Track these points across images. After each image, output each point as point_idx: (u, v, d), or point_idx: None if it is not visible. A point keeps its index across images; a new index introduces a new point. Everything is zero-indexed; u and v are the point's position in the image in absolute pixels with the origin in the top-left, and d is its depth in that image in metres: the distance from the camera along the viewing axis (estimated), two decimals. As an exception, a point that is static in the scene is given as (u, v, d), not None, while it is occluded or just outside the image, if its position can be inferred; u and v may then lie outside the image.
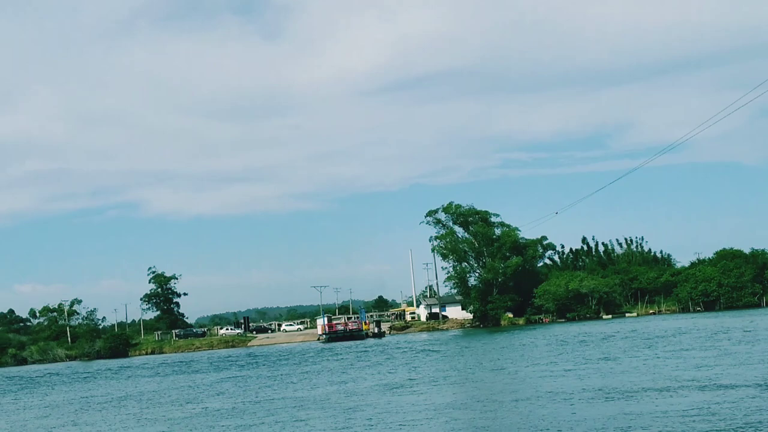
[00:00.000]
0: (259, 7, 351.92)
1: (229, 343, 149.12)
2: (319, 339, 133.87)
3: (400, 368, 57.42)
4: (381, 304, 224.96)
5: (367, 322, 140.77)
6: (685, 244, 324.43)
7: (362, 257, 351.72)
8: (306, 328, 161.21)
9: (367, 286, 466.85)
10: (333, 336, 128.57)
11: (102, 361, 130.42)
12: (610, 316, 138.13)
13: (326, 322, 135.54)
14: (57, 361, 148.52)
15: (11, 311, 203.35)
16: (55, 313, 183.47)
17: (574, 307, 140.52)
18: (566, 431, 24.85)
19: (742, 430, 23.02)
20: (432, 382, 45.29)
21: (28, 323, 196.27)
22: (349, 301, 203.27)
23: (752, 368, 37.79)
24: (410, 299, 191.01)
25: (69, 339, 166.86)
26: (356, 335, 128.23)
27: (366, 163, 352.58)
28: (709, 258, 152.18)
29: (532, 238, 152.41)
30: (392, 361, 67.05)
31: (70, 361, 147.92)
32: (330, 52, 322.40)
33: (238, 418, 35.04)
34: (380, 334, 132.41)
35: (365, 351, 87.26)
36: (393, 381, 47.63)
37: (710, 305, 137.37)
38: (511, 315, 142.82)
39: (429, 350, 79.02)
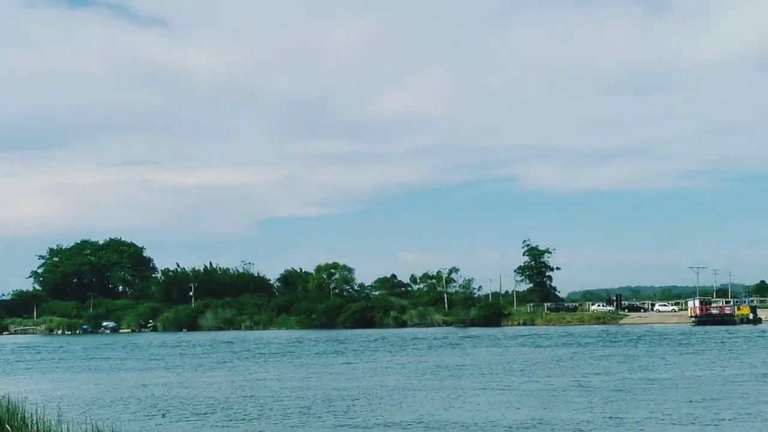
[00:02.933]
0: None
1: (600, 319, 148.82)
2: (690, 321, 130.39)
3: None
4: (763, 289, 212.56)
5: (739, 306, 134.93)
6: None
7: (745, 240, 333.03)
8: (680, 309, 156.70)
9: (749, 270, 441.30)
10: (702, 319, 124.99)
11: (477, 329, 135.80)
12: None
13: (697, 305, 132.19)
14: (434, 326, 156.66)
15: (393, 276, 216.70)
16: (434, 280, 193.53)
17: None
18: None
19: None
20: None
21: (409, 288, 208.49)
22: (728, 284, 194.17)
23: None
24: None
25: (446, 305, 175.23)
26: (728, 320, 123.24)
27: (754, 141, 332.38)
28: None
29: None
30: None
31: (446, 326, 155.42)
32: (722, 23, 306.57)
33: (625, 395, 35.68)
34: (756, 320, 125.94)
35: (734, 336, 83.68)
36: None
37: None
38: None
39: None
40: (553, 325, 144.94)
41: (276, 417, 31.82)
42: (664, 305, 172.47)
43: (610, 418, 29.03)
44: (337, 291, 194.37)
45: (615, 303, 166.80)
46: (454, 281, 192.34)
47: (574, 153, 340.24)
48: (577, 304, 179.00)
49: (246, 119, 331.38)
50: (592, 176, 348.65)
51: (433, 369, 53.23)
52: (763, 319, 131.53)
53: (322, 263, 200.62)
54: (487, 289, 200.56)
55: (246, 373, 54.05)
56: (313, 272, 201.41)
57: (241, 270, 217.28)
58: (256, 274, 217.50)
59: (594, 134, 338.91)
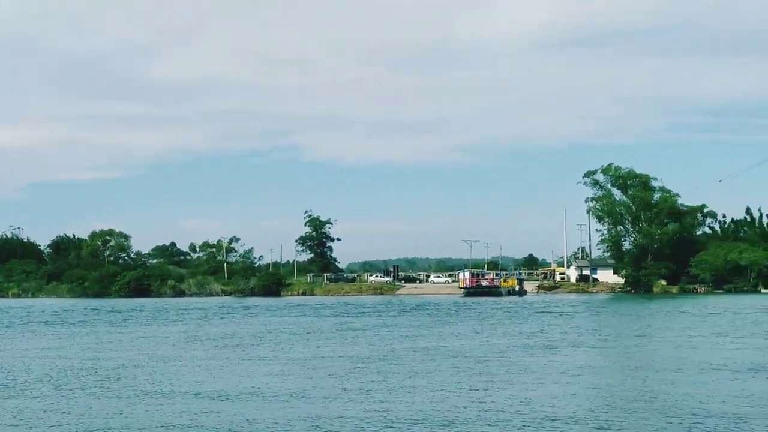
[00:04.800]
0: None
1: (377, 290, 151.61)
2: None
3: (533, 327, 57.14)
4: (531, 262, 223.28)
5: (506, 279, 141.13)
6: None
7: (517, 214, 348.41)
8: (454, 281, 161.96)
9: (519, 244, 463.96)
10: (471, 291, 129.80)
11: (256, 298, 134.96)
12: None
13: (467, 277, 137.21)
14: (213, 296, 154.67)
15: (173, 244, 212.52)
16: (214, 249, 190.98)
17: (731, 279, 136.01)
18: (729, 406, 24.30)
19: None
20: (561, 345, 44.92)
21: (188, 257, 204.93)
22: (498, 257, 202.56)
23: None
24: (561, 260, 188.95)
25: (225, 275, 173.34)
26: (494, 292, 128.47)
27: (531, 118, 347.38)
28: None
29: (692, 205, 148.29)
30: (529, 320, 66.78)
31: (225, 296, 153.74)
32: (505, 3, 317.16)
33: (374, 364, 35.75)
34: (521, 293, 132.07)
35: (499, 308, 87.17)
36: (527, 341, 47.50)
37: None
38: (664, 282, 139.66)
39: (571, 312, 78.25)
40: (331, 295, 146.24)
41: (23, 390, 29.64)
42: (439, 277, 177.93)
43: (372, 382, 28.89)
44: (112, 259, 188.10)
45: (392, 274, 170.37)
46: (235, 250, 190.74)
47: (358, 124, 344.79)
48: (356, 275, 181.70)
49: (23, 76, 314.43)
50: (378, 149, 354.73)
51: (202, 339, 51.94)
52: (528, 291, 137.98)
53: (98, 230, 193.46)
54: (268, 259, 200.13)
55: None
56: (87, 239, 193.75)
57: (9, 235, 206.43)
58: (25, 240, 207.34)
59: (378, 107, 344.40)
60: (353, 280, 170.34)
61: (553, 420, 22.58)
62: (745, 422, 21.88)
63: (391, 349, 43.18)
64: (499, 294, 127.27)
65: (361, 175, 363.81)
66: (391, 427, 22.07)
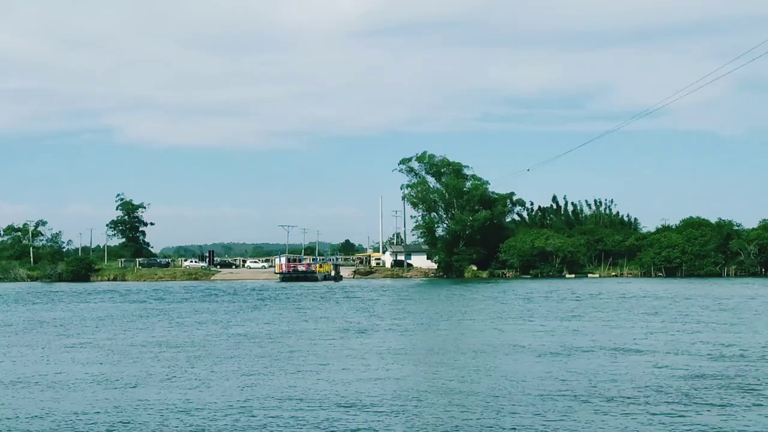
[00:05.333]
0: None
1: (192, 275, 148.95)
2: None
3: (347, 312, 57.47)
4: (347, 247, 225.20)
5: (322, 264, 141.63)
6: (653, 209, 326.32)
7: (333, 200, 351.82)
8: (270, 266, 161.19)
9: (336, 229, 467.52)
10: (287, 276, 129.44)
11: (64, 284, 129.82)
12: (572, 275, 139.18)
13: (283, 262, 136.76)
14: (18, 281, 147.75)
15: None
16: (20, 233, 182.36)
17: (538, 265, 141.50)
18: (520, 383, 24.86)
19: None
20: (374, 329, 45.29)
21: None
22: (315, 242, 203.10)
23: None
24: (377, 245, 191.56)
25: (32, 259, 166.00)
26: (310, 277, 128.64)
27: (347, 105, 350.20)
28: (675, 225, 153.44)
29: (502, 192, 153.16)
30: (342, 304, 67.12)
31: (31, 281, 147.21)
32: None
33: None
34: (337, 278, 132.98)
35: (314, 293, 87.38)
36: (342, 325, 47.62)
37: (672, 272, 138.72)
38: (475, 267, 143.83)
39: (383, 296, 79.24)
40: (144, 280, 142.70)
41: None
42: (255, 262, 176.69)
43: (179, 369, 28.01)
44: None
45: (207, 259, 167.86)
46: (42, 234, 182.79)
47: (172, 107, 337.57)
48: (170, 260, 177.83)
49: None
50: (191, 132, 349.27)
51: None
52: (344, 277, 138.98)
53: None
54: (78, 244, 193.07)
55: None
56: None
57: None
58: None
59: (192, 89, 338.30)
60: (167, 265, 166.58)
61: (360, 404, 22.46)
62: (545, 401, 22.43)
63: (201, 335, 42.20)
64: (315, 279, 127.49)
65: (177, 159, 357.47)
66: (194, 414, 21.36)
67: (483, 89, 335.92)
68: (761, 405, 21.56)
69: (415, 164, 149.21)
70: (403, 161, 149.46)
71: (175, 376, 27.56)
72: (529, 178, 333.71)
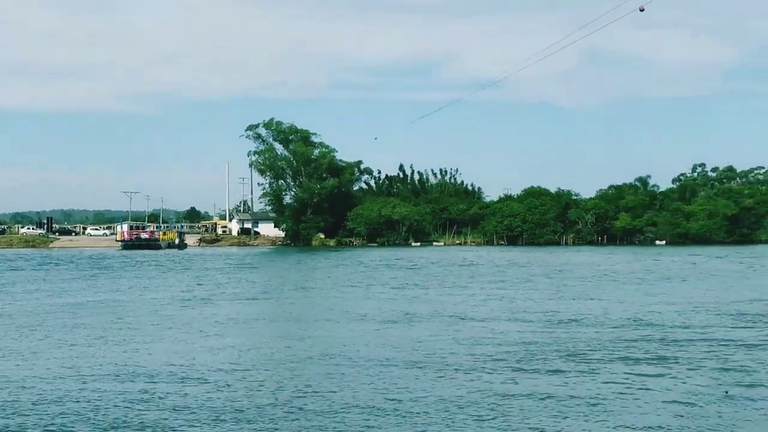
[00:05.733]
0: None
1: (29, 242, 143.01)
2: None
3: (189, 281, 56.58)
4: (193, 215, 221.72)
5: (166, 232, 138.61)
6: (496, 179, 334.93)
7: (179, 166, 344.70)
8: (112, 234, 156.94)
9: (182, 197, 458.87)
10: (129, 244, 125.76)
11: None
12: (418, 243, 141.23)
13: (125, 229, 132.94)
14: None
15: None
16: None
17: (384, 233, 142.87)
18: (360, 348, 24.89)
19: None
20: (216, 298, 44.74)
21: None
22: (160, 210, 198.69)
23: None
24: (223, 213, 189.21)
25: None
26: (153, 245, 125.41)
27: (195, 69, 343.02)
28: (517, 195, 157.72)
29: (350, 161, 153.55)
30: (185, 273, 66.06)
31: None
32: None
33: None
34: (182, 246, 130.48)
35: (156, 261, 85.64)
36: (177, 294, 46.80)
37: (513, 240, 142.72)
38: (322, 236, 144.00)
39: (227, 265, 78.35)
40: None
41: None
42: (97, 229, 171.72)
43: (9, 340, 26.75)
44: None
45: (46, 226, 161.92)
46: None
47: (10, 68, 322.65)
48: (5, 227, 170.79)
49: None
50: (26, 93, 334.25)
51: None
52: (189, 245, 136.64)
53: None
54: None
55: None
56: None
57: None
58: None
59: (30, 48, 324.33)
60: (2, 232, 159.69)
61: (194, 375, 22.00)
62: (383, 369, 22.54)
63: (34, 304, 40.54)
64: (158, 247, 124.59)
65: (15, 121, 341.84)
66: (20, 386, 20.39)
67: (332, 57, 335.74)
68: (592, 372, 22.28)
69: (262, 131, 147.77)
70: (250, 127, 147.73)
71: (2, 348, 26.31)
72: (377, 147, 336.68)
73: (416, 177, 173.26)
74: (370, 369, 22.46)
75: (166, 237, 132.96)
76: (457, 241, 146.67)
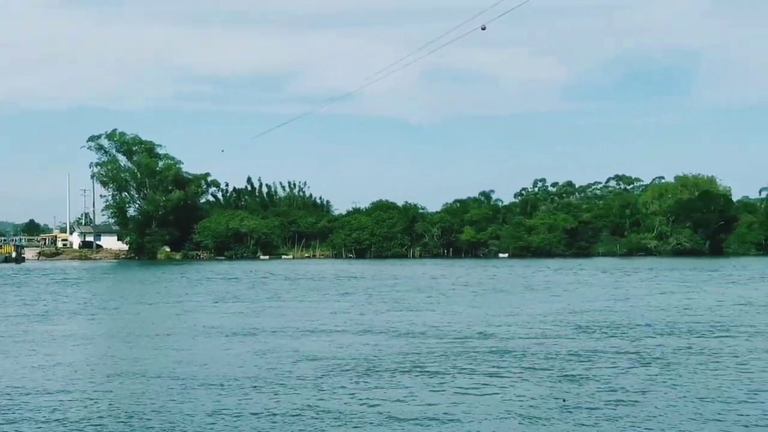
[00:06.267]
0: None
1: None
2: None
3: (24, 296, 54.53)
4: (32, 228, 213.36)
5: (2, 245, 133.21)
6: (345, 192, 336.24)
7: (17, 177, 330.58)
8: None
9: (20, 209, 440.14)
10: None
11: None
12: (267, 256, 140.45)
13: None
14: None
15: None
16: None
17: (232, 246, 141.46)
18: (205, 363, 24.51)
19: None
20: (60, 313, 43.32)
21: None
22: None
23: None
24: (64, 226, 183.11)
25: None
26: None
27: (38, 78, 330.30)
28: (365, 208, 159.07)
29: (197, 173, 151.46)
30: (22, 287, 63.60)
31: None
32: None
33: None
34: (19, 259, 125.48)
35: None
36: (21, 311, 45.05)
37: (362, 253, 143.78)
38: (168, 249, 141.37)
39: (70, 280, 75.89)
40: None
41: None
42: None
43: None
44: None
45: None
46: None
47: None
48: None
49: None
50: None
51: None
52: (28, 258, 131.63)
53: None
54: None
55: None
56: None
57: None
58: None
59: None
60: None
61: (30, 392, 21.16)
62: (224, 384, 22.26)
63: None
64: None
65: None
66: None
67: (180, 68, 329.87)
68: (431, 383, 22.62)
69: (105, 142, 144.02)
70: (91, 138, 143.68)
71: None
72: (225, 159, 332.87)
73: (265, 190, 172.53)
74: (209, 385, 22.12)
75: (2, 251, 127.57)
76: (306, 254, 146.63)
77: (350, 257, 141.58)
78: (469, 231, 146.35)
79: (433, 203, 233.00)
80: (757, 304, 44.71)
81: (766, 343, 29.36)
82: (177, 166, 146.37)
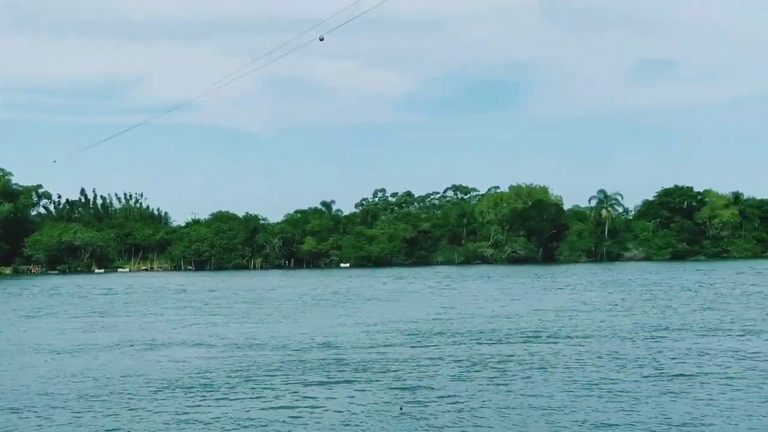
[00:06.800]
0: None
1: None
2: None
3: None
4: None
5: None
6: (183, 203, 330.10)
7: None
8: None
9: None
10: None
11: None
12: (102, 270, 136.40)
13: None
14: None
15: None
16: None
17: (66, 259, 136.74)
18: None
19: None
20: None
21: None
22: None
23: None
24: None
25: None
26: None
27: None
28: (205, 219, 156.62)
29: (26, 185, 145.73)
30: None
31: None
32: None
33: None
34: None
35: None
36: None
37: (202, 264, 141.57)
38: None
39: None
40: None
41: None
42: None
43: None
44: None
45: None
46: None
47: None
48: None
49: None
50: None
51: None
52: None
53: None
54: None
55: None
56: None
57: None
58: None
59: None
60: None
61: None
62: (51, 401, 21.60)
63: None
64: None
65: None
66: None
67: (8, 77, 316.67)
68: (268, 395, 22.59)
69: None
70: None
71: None
72: (58, 171, 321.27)
73: (99, 201, 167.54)
74: (35, 403, 21.42)
75: None
76: (144, 267, 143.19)
77: (189, 269, 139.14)
78: (310, 241, 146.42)
79: (274, 214, 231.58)
80: (581, 310, 46.71)
81: (591, 347, 30.73)
82: (6, 177, 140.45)
